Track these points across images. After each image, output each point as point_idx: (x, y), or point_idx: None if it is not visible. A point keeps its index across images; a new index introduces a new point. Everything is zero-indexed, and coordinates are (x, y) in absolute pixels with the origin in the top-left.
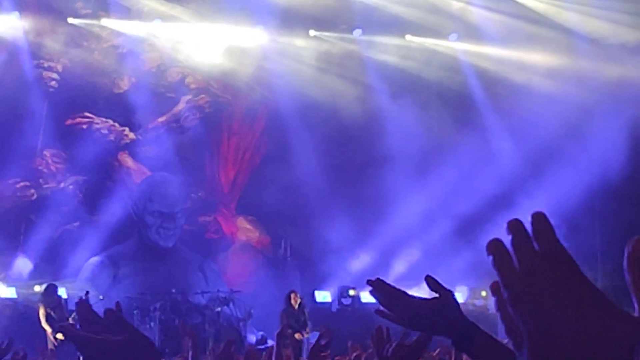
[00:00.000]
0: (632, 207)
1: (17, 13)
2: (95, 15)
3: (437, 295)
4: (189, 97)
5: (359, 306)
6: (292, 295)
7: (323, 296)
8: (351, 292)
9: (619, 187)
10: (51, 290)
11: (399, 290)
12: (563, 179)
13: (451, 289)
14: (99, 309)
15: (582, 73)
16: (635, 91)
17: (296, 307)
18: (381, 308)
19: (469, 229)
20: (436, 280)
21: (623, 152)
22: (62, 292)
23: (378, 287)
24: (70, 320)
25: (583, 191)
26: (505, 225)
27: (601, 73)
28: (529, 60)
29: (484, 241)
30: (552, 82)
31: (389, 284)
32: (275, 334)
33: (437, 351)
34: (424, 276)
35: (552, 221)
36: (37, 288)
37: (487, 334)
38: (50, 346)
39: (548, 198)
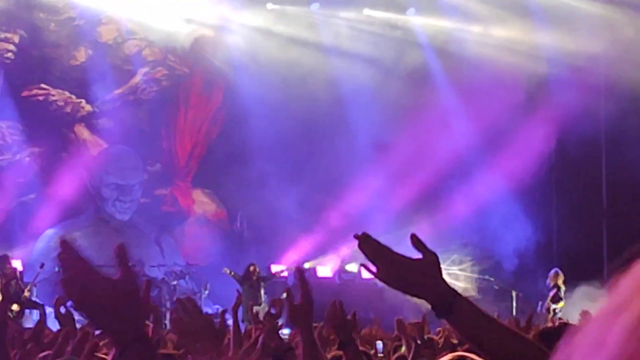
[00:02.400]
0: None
1: None
2: None
3: (420, 256)
4: (145, 69)
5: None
6: (252, 268)
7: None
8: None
9: (575, 158)
10: (4, 260)
11: (385, 246)
12: (519, 151)
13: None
14: (55, 281)
15: (539, 45)
16: (590, 62)
17: (254, 279)
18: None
19: (426, 202)
20: (421, 241)
21: (578, 124)
22: (17, 264)
23: (364, 241)
24: (26, 292)
25: (539, 163)
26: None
27: (558, 44)
28: (486, 34)
29: (441, 214)
30: (508, 55)
31: (375, 240)
32: (231, 307)
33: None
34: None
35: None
36: None
37: (468, 300)
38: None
39: (503, 170)
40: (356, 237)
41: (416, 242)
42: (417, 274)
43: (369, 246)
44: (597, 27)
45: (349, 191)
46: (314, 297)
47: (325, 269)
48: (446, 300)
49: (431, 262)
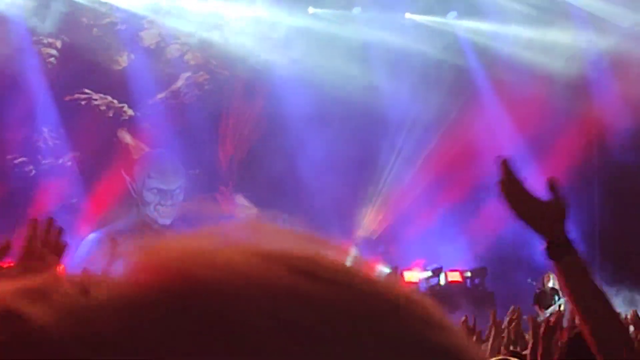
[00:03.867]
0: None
1: None
2: None
3: (552, 197)
4: (188, 74)
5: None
6: None
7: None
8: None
9: (619, 161)
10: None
11: (519, 178)
12: (562, 156)
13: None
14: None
15: (580, 46)
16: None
17: None
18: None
19: (467, 206)
20: (557, 185)
21: (621, 128)
22: (60, 269)
23: (506, 166)
24: None
25: (582, 167)
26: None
27: (599, 46)
28: (528, 37)
29: (479, 225)
30: (550, 58)
31: (513, 169)
32: None
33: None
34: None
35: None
36: None
37: (579, 255)
38: None
39: (546, 174)
40: (499, 157)
41: (552, 185)
42: (544, 212)
43: (509, 171)
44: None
45: (390, 197)
46: None
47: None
48: (562, 246)
49: (560, 206)
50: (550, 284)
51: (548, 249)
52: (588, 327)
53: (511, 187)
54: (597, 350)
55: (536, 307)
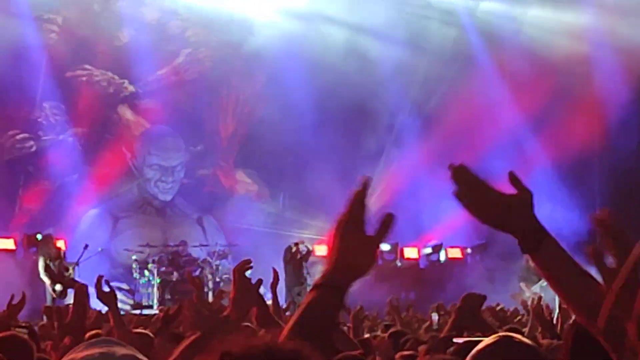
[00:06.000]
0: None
1: None
2: None
3: (515, 192)
4: (188, 50)
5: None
6: (294, 248)
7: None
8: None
9: (619, 144)
10: (48, 241)
11: (480, 179)
12: (563, 135)
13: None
14: (99, 261)
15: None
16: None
17: (298, 257)
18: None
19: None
20: (517, 178)
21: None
22: (61, 244)
23: (459, 172)
24: (70, 271)
25: (583, 147)
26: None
27: (604, 27)
28: (530, 15)
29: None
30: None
31: (470, 171)
32: (270, 284)
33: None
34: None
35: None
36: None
37: (556, 241)
38: (49, 297)
39: (547, 153)
40: (451, 166)
41: (512, 178)
42: (509, 209)
43: (463, 178)
44: None
45: (390, 172)
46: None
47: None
48: (535, 237)
49: (524, 198)
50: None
51: (521, 242)
52: (577, 310)
53: (470, 194)
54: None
55: (522, 284)
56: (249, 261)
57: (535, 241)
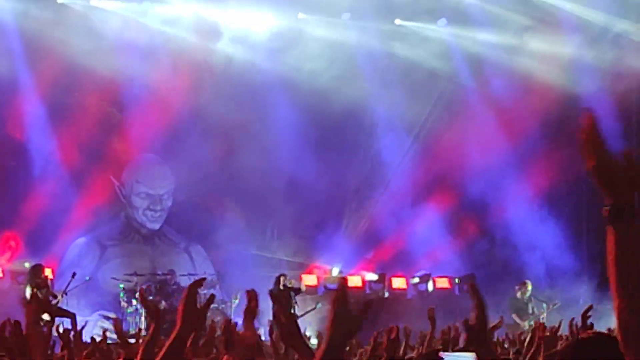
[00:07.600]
0: None
1: None
2: None
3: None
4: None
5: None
6: (282, 278)
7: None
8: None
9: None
10: (38, 270)
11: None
12: (551, 165)
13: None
14: (86, 290)
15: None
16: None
17: (281, 288)
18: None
19: (457, 213)
20: (632, 152)
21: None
22: (48, 272)
23: (590, 121)
24: (59, 298)
25: (570, 179)
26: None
27: (591, 60)
28: (519, 46)
29: (469, 231)
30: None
31: (596, 124)
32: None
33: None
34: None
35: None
36: (27, 265)
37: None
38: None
39: (534, 184)
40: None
41: (628, 154)
42: (620, 173)
43: (591, 128)
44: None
45: (379, 197)
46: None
47: (355, 279)
48: (625, 209)
49: (635, 169)
50: (527, 294)
51: (611, 210)
52: (625, 305)
53: (594, 143)
54: (627, 339)
55: (515, 317)
56: (203, 279)
57: (622, 214)
